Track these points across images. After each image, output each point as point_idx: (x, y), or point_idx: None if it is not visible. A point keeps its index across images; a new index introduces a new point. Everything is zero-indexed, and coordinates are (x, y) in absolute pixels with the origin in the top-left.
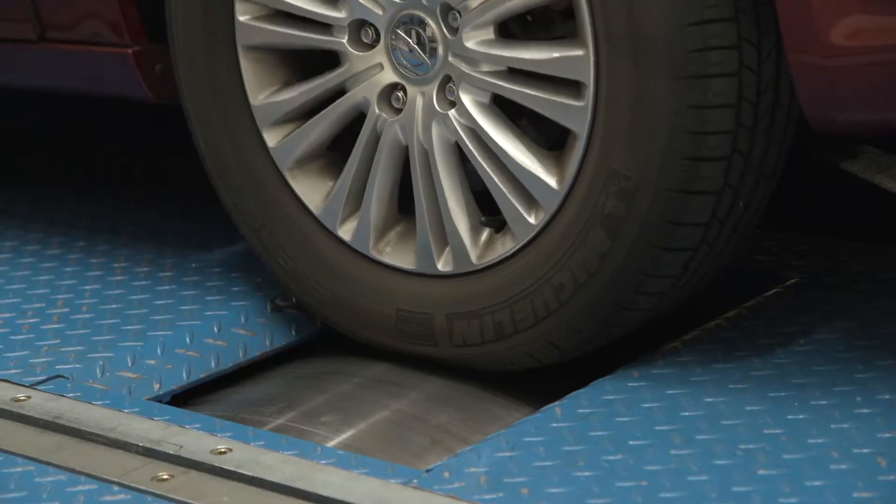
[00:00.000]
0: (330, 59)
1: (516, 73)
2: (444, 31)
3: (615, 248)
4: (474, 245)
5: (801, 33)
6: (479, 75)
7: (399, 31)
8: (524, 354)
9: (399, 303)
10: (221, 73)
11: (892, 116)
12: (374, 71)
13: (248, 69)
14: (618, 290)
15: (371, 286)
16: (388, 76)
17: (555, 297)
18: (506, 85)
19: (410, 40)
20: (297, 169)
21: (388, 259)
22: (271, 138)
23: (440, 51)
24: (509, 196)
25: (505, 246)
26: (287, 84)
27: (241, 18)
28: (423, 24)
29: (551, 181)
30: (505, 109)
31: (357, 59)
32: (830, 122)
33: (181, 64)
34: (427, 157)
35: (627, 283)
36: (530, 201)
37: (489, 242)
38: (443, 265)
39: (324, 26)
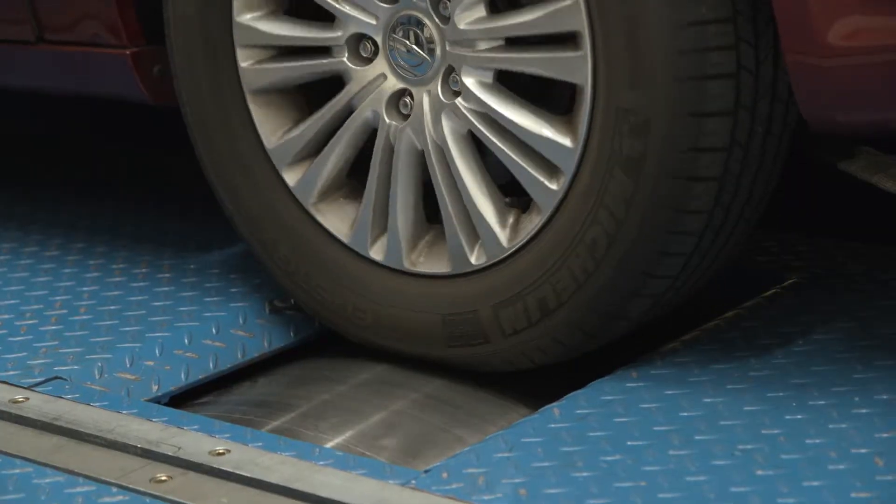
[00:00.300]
0: (336, 89)
1: (513, 44)
2: (438, 21)
3: (640, 188)
4: (503, 229)
5: (799, 34)
6: (478, 55)
7: (396, 35)
8: (575, 329)
9: (442, 308)
10: (235, 126)
11: (890, 116)
12: (377, 82)
13: (259, 114)
14: (652, 234)
15: (411, 299)
16: (393, 83)
17: (591, 257)
18: (505, 56)
19: (408, 41)
20: (321, 202)
21: (423, 268)
22: (291, 178)
23: (437, 43)
24: (529, 169)
25: (532, 222)
26: (298, 122)
27: (244, 64)
28: (417, 23)
29: (566, 141)
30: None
31: (360, 74)
32: (829, 123)
33: (199, 138)
34: (444, 154)
35: (660, 224)
36: (550, 168)
37: (517, 224)
38: (476, 259)
39: (323, 50)
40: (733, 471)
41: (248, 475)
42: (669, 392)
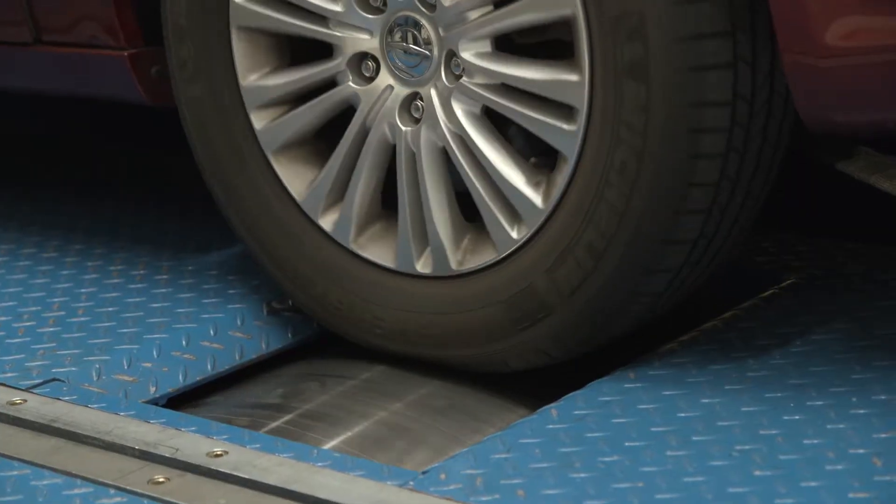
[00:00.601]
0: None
1: (501, 3)
2: (426, 11)
3: (652, 90)
4: (537, 193)
5: (796, 34)
6: (471, 25)
7: (392, 42)
8: (631, 265)
9: (502, 296)
10: (263, 188)
11: (889, 117)
12: (386, 95)
13: (285, 172)
14: (678, 137)
15: (471, 299)
16: (401, 91)
17: (624, 182)
18: (495, 15)
19: (405, 43)
20: (360, 237)
21: (471, 265)
22: (328, 223)
23: (432, 34)
24: (545, 119)
25: (562, 173)
26: (322, 168)
27: (259, 127)
28: (411, 24)
29: (572, 76)
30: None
31: (368, 93)
32: (826, 123)
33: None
34: (464, 141)
35: (682, 124)
36: (565, 111)
37: (549, 183)
38: (518, 233)
39: (330, 85)
40: (731, 471)
41: (246, 476)
42: (667, 393)
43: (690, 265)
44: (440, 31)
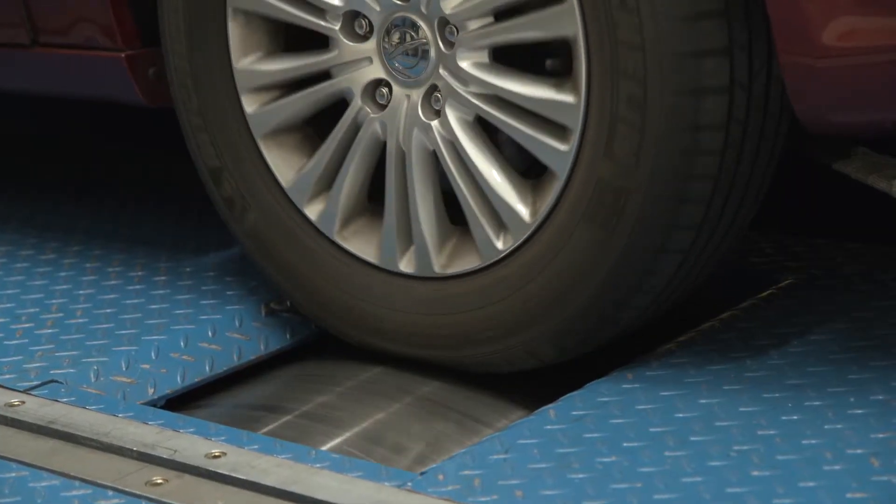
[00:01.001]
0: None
1: None
2: (400, 2)
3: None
4: (567, 93)
5: (793, 34)
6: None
7: (391, 48)
8: (677, 89)
9: (582, 208)
10: (331, 263)
11: (886, 117)
12: (404, 106)
13: (353, 245)
14: (678, 46)
15: (560, 234)
16: (417, 94)
17: (629, 14)
18: None
19: (403, 45)
20: (441, 256)
21: (544, 210)
22: (408, 266)
23: (419, 20)
24: (541, 13)
25: (578, 53)
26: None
27: (313, 216)
28: (408, 25)
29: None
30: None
31: (392, 113)
32: (823, 123)
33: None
34: (492, 97)
35: (681, 41)
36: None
37: (573, 80)
38: (568, 145)
39: (355, 130)
40: (729, 471)
41: (245, 478)
42: (665, 393)
43: (731, 155)
44: (422, 8)
